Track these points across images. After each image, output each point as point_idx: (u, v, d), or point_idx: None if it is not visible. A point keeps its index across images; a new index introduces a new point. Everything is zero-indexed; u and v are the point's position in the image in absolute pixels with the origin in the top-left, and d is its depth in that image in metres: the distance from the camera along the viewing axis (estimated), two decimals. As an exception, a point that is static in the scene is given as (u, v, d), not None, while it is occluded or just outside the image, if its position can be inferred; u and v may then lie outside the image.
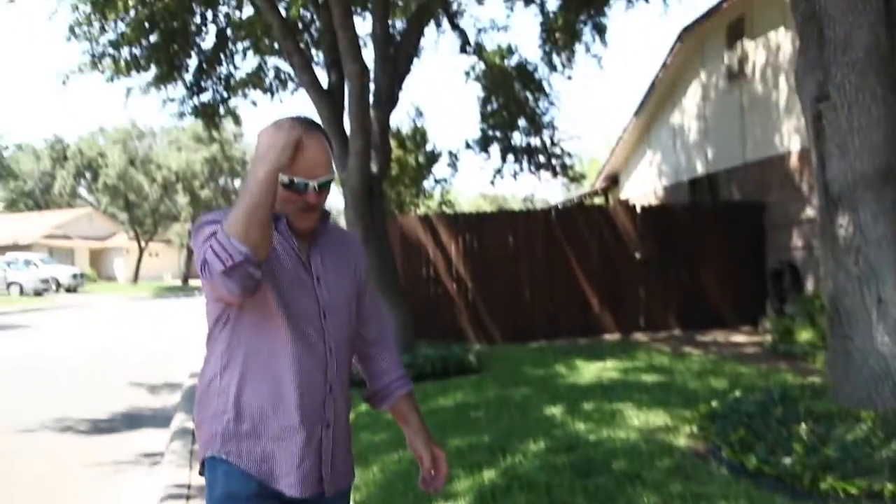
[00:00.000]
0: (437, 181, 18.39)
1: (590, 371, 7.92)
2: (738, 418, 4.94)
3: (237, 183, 46.35)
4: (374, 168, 9.03)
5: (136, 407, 8.35)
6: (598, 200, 20.27)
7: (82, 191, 52.43)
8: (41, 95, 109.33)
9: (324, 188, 1.89)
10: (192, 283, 43.40)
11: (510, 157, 15.40)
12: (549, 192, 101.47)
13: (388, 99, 9.36)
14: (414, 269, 11.41)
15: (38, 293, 33.48)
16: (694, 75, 14.75)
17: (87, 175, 46.22)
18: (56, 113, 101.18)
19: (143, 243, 45.86)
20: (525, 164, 15.28)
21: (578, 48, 13.22)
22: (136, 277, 45.38)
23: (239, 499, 1.86)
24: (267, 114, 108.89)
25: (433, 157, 17.98)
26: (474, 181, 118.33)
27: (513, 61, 14.25)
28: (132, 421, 7.59)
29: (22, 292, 33.16)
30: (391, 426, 5.85)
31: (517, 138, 15.17)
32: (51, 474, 5.70)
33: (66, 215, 51.63)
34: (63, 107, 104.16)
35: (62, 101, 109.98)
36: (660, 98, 16.11)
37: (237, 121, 15.85)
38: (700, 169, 14.64)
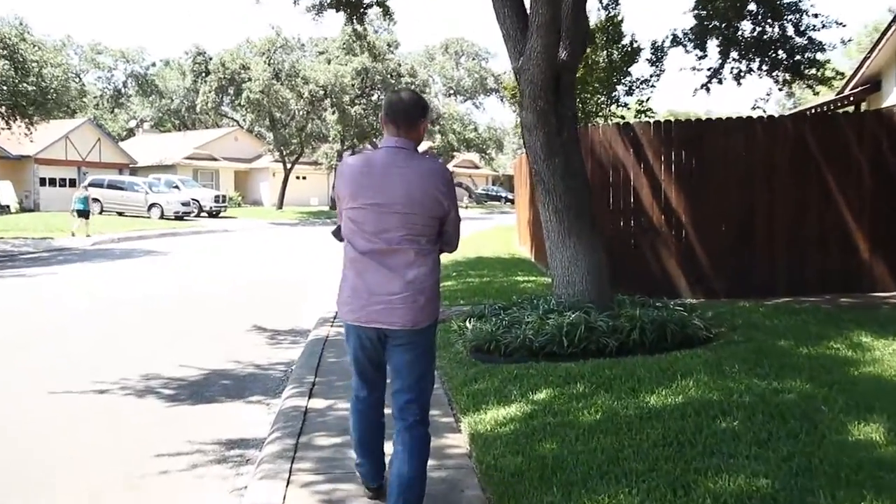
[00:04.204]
0: (634, 84, 15.80)
1: (894, 353, 5.75)
2: None
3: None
4: (563, 53, 7.08)
5: (246, 363, 7.29)
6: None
7: (226, 108, 53.51)
8: (189, 12, 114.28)
9: None
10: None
11: (733, 53, 12.90)
12: (769, 106, 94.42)
13: (584, -44, 7.31)
14: (607, 195, 9.52)
15: (178, 217, 34.26)
16: None
17: (230, 90, 46.54)
18: (203, 29, 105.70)
19: (288, 165, 46.22)
20: (756, 63, 12.67)
21: None
22: (281, 202, 45.91)
23: None
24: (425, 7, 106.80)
25: (632, 53, 15.47)
26: (663, 96, 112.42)
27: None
28: (235, 385, 6.46)
29: (162, 215, 34.04)
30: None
31: (746, 28, 12.60)
32: (98, 466, 4.53)
33: (211, 135, 53.28)
34: (210, 22, 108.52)
35: (209, 17, 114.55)
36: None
37: (387, 13, 14.45)
38: None
